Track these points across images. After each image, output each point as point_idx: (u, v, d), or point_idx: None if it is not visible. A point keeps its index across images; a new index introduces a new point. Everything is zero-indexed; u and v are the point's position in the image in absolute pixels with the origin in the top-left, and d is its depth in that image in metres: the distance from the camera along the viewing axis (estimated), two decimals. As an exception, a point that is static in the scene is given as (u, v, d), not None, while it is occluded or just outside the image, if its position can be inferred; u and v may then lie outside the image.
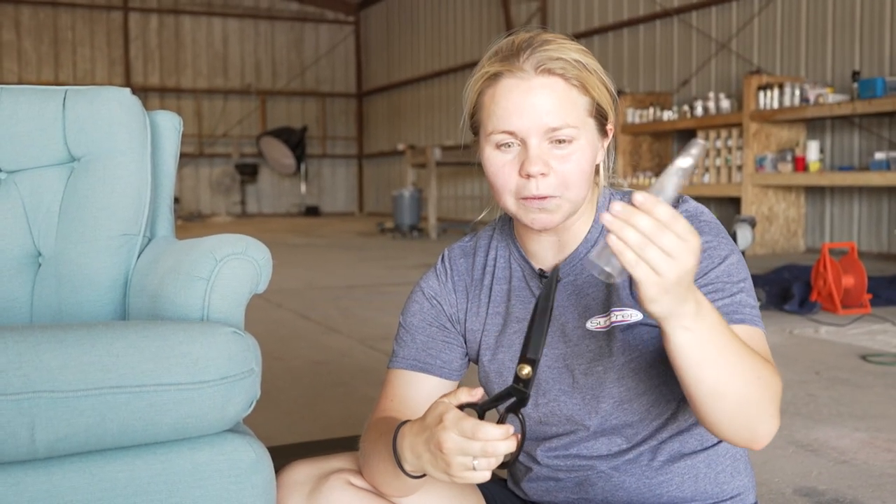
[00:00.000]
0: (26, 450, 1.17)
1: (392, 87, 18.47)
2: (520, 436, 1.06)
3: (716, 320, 1.07)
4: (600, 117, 1.29)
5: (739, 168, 8.83)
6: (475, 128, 1.31)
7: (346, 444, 2.49)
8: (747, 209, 8.58)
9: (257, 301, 5.74)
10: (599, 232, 1.34)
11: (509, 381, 1.35)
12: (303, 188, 19.49)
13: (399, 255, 9.36)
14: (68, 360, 1.18)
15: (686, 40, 10.65)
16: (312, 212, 19.17)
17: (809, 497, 2.22)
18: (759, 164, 8.61)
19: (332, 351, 4.21)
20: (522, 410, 1.10)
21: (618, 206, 0.98)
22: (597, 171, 1.35)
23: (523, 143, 1.24)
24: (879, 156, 7.64)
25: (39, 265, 1.73)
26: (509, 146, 1.25)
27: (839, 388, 3.35)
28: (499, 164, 1.26)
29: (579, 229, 1.34)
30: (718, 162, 9.15)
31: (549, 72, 1.23)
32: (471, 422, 1.05)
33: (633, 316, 1.29)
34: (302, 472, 1.34)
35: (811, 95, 8.14)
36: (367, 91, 19.75)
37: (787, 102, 8.35)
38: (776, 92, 8.42)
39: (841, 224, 8.83)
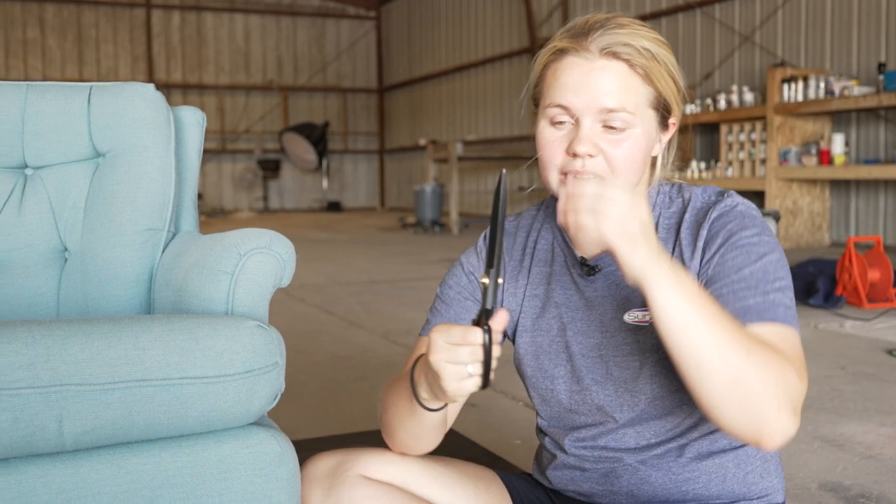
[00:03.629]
0: (54, 442, 1.19)
1: (413, 82, 18.48)
2: (488, 343, 1.07)
3: (699, 289, 1.08)
4: (662, 110, 1.28)
5: (763, 161, 8.77)
6: (536, 99, 1.31)
7: (368, 439, 2.50)
8: (771, 203, 8.52)
9: (280, 296, 5.76)
10: None
11: (545, 363, 1.38)
12: (324, 183, 19.55)
13: (421, 251, 9.37)
14: (95, 354, 1.19)
15: (709, 33, 10.58)
16: (334, 207, 19.22)
17: (835, 492, 2.20)
18: (784, 157, 8.54)
19: (355, 345, 4.22)
20: (491, 324, 1.08)
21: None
22: (653, 165, 1.33)
23: (577, 122, 1.24)
24: (905, 148, 7.56)
25: (66, 260, 1.75)
26: (563, 123, 1.25)
27: (865, 383, 3.32)
28: (549, 138, 1.26)
29: None
30: (742, 155, 9.09)
31: (615, 55, 1.23)
32: (456, 328, 1.09)
33: None
34: (321, 466, 1.35)
35: (836, 88, 8.06)
36: (389, 86, 19.77)
37: (811, 95, 8.28)
38: (800, 84, 8.36)
39: (866, 217, 8.75)
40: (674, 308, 1.06)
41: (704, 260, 1.25)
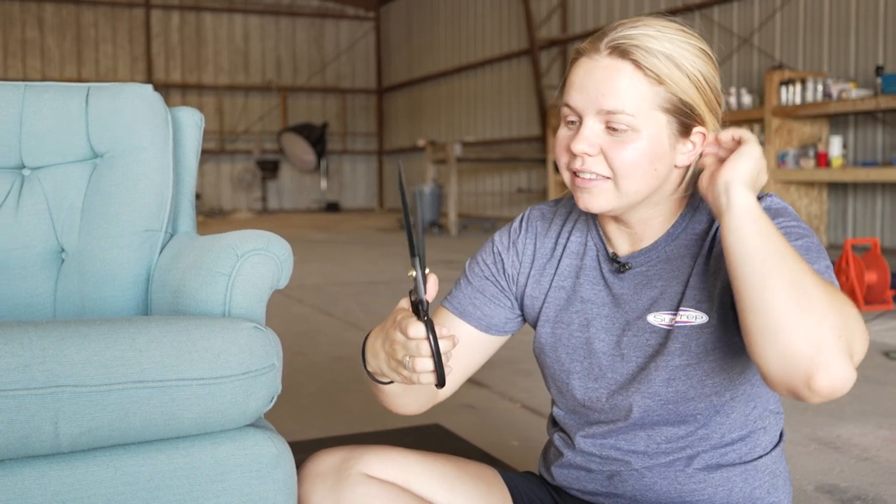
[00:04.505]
0: (50, 444, 1.18)
1: (412, 83, 18.48)
2: (431, 339, 1.10)
3: (776, 230, 1.12)
4: (681, 116, 1.22)
5: (761, 164, 8.77)
6: None
7: (367, 440, 2.50)
8: (769, 205, 8.52)
9: (278, 297, 5.76)
10: (683, 228, 1.30)
11: (562, 356, 1.38)
12: (323, 184, 19.54)
13: (419, 251, 9.35)
14: (92, 355, 1.19)
15: (707, 35, 10.45)
16: (333, 208, 19.22)
17: (831, 494, 2.20)
18: (781, 159, 8.55)
19: (354, 346, 4.22)
20: (431, 318, 1.12)
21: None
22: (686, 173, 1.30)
23: (581, 121, 1.23)
24: (903, 151, 7.57)
25: (63, 261, 1.75)
26: (573, 122, 1.24)
27: (862, 386, 3.32)
28: (560, 136, 1.26)
29: (658, 226, 1.30)
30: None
31: (622, 55, 1.20)
32: (406, 321, 1.12)
33: (699, 318, 1.25)
34: (325, 462, 1.35)
35: (834, 91, 8.07)
36: (388, 87, 19.77)
37: (809, 98, 8.28)
38: (798, 87, 8.36)
39: (864, 220, 8.76)
40: (748, 227, 1.10)
41: None
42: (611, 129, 1.21)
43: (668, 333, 1.28)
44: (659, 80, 1.20)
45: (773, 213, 1.24)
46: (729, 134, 1.19)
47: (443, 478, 1.39)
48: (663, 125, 1.22)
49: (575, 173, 1.25)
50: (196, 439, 1.30)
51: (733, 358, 1.27)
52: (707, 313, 1.25)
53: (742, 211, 1.11)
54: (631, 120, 1.20)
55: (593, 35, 1.27)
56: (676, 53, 1.21)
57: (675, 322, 1.27)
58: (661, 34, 1.22)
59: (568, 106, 1.24)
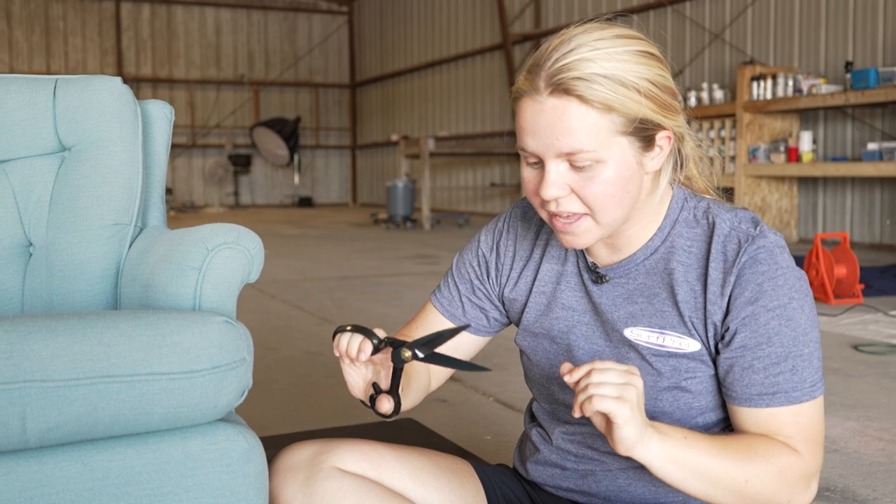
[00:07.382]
0: (17, 440, 1.17)
1: (385, 78, 18.44)
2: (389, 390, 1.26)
3: (686, 445, 1.13)
4: (640, 133, 1.18)
5: (733, 159, 8.85)
6: None
7: (339, 434, 2.49)
8: (740, 200, 8.59)
9: (251, 292, 5.73)
10: (662, 240, 1.28)
11: (542, 361, 1.39)
12: (296, 179, 19.46)
13: (393, 246, 9.35)
14: (59, 350, 1.18)
15: (680, 31, 10.64)
16: (306, 203, 19.15)
17: (801, 486, 2.22)
18: (753, 154, 8.62)
19: (326, 342, 4.21)
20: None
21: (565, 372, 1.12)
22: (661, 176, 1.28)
23: (542, 163, 1.20)
24: (872, 146, 7.66)
25: (30, 255, 1.72)
26: (536, 163, 1.21)
27: (831, 378, 3.36)
28: (527, 178, 1.23)
29: (638, 235, 1.28)
30: (712, 152, 9.14)
31: (565, 92, 1.14)
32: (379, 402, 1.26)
33: (691, 346, 1.24)
34: (297, 456, 1.34)
35: (804, 86, 8.14)
36: (361, 81, 19.71)
37: (780, 93, 8.35)
38: (769, 82, 8.43)
39: (833, 214, 8.85)
40: (667, 474, 1.13)
41: (732, 310, 1.21)
42: (575, 167, 1.18)
43: (645, 349, 1.26)
44: (608, 108, 1.14)
45: (764, 267, 1.20)
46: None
47: (416, 471, 1.38)
48: (626, 147, 1.18)
49: (552, 214, 1.23)
50: (166, 434, 1.29)
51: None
52: (699, 342, 1.24)
53: (656, 463, 1.12)
54: (593, 154, 1.16)
55: (528, 66, 1.20)
56: (618, 70, 1.14)
57: (664, 346, 1.25)
58: (598, 51, 1.14)
59: (524, 150, 1.20)
